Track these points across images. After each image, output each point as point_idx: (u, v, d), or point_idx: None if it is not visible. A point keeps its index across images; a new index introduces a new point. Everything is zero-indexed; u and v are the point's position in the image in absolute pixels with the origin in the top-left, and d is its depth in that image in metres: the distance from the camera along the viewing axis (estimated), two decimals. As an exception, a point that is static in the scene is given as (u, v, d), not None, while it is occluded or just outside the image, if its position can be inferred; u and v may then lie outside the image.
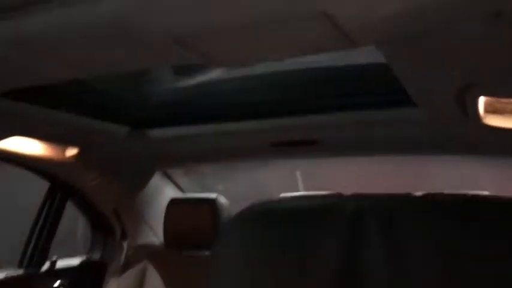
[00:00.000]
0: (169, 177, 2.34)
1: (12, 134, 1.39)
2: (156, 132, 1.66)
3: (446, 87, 0.95)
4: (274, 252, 0.47)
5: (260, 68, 1.44)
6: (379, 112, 1.38)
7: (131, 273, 2.05)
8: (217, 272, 0.72)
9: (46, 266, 1.94)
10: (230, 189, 2.06)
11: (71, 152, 1.60)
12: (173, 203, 2.02)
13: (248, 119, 1.57)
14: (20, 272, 1.84)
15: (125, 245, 2.16)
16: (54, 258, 1.96)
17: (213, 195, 1.98)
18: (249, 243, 0.50)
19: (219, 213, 1.92)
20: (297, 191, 2.61)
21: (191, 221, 1.95)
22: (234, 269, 0.51)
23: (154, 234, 2.29)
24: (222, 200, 1.98)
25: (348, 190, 0.94)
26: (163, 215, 2.29)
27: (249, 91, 1.54)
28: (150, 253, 2.08)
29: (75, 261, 2.12)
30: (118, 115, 1.57)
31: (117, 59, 0.85)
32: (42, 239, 1.91)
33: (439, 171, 2.55)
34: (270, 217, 0.53)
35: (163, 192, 2.32)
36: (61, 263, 2.02)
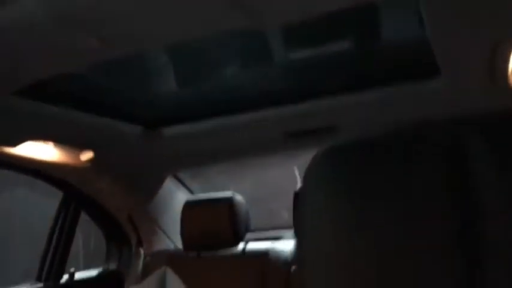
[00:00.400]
0: (180, 181, 2.31)
1: (25, 136, 1.36)
2: (170, 130, 1.64)
3: (477, 46, 0.93)
4: (367, 186, 0.44)
5: (268, 57, 1.42)
6: (399, 87, 1.36)
7: (151, 280, 2.01)
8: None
9: (65, 279, 1.90)
10: (240, 190, 2.02)
11: (86, 156, 1.58)
12: (189, 205, 1.99)
13: (261, 108, 1.55)
14: (40, 285, 1.80)
15: (142, 252, 2.13)
16: (72, 270, 1.93)
17: (229, 194, 1.95)
18: (340, 180, 0.47)
19: (237, 212, 1.89)
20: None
21: (209, 222, 1.92)
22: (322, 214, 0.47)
23: (170, 239, 2.25)
24: (239, 197, 1.95)
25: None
26: (177, 219, 2.27)
27: (260, 80, 1.52)
28: (168, 258, 2.04)
29: (92, 273, 2.08)
30: (132, 115, 1.55)
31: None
32: (59, 251, 1.87)
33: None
34: (358, 151, 0.50)
35: (175, 196, 2.29)
36: (79, 275, 1.99)
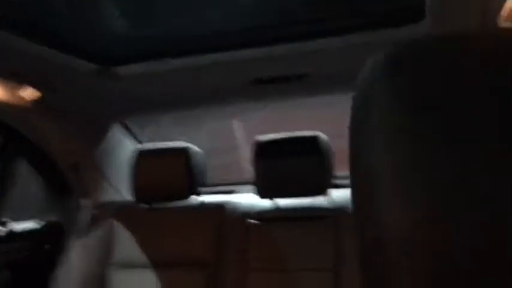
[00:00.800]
0: (128, 130, 2.17)
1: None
2: (126, 70, 1.48)
3: None
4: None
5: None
6: (379, 33, 1.29)
7: (97, 233, 1.89)
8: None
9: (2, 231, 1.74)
10: (192, 142, 1.91)
11: (30, 94, 1.40)
12: (141, 154, 1.87)
13: (228, 50, 1.40)
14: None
15: (87, 203, 1.99)
16: (4, 220, 1.76)
17: (185, 144, 1.85)
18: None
19: (193, 163, 1.80)
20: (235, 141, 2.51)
21: (163, 173, 1.81)
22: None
23: (117, 190, 2.12)
24: (195, 148, 1.86)
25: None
26: (123, 170, 2.14)
27: (226, 18, 1.39)
28: (117, 210, 1.93)
29: (29, 225, 1.93)
30: (85, 51, 1.38)
31: None
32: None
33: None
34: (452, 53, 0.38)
35: (123, 146, 2.15)
36: (14, 226, 1.83)
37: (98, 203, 2.01)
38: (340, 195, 1.74)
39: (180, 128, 2.54)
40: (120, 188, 2.14)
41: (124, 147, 2.15)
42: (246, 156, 2.50)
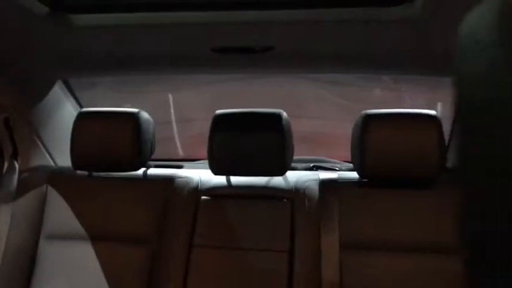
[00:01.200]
0: (69, 90, 1.97)
1: None
2: (80, 19, 1.32)
3: None
4: None
5: None
6: (355, 10, 1.22)
7: (27, 200, 1.70)
8: None
9: None
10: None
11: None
12: (84, 116, 1.70)
13: (188, 10, 1.27)
14: None
15: (17, 166, 1.78)
16: None
17: (134, 109, 1.70)
18: None
19: (143, 130, 1.66)
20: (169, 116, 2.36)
21: (108, 139, 1.66)
22: None
23: (50, 155, 1.93)
24: (146, 115, 1.71)
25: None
26: (61, 134, 1.95)
27: None
28: (51, 176, 1.74)
29: None
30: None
31: None
32: None
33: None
34: None
35: (62, 107, 1.96)
36: None
37: (29, 167, 1.82)
38: (297, 176, 1.69)
39: (122, 95, 2.37)
40: (54, 153, 1.94)
41: (63, 108, 1.96)
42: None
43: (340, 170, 1.86)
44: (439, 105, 2.19)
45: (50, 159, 1.93)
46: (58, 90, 1.88)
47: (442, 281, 1.44)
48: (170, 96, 2.36)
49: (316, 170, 1.87)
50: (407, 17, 1.18)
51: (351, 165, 1.97)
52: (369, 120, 1.52)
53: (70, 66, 1.70)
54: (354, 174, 1.64)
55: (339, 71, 1.74)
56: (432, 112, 1.53)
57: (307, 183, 1.62)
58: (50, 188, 1.71)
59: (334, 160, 2.04)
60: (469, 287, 0.42)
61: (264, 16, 1.27)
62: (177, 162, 2.14)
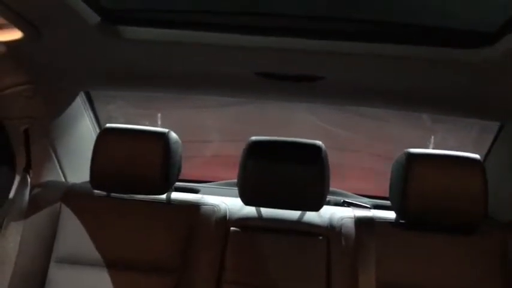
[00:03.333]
0: (91, 103, 1.86)
1: None
2: (126, 31, 1.23)
3: None
4: None
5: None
6: (426, 49, 1.17)
7: (40, 217, 1.58)
8: None
9: None
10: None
11: (12, 35, 1.09)
12: (109, 133, 1.59)
13: (234, 32, 1.19)
14: None
15: (29, 180, 1.66)
16: None
17: (163, 129, 1.61)
18: None
19: (172, 153, 1.56)
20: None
21: (134, 158, 1.55)
22: None
23: (62, 170, 1.81)
24: (175, 136, 1.62)
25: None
26: (75, 148, 1.84)
27: None
28: (66, 193, 1.62)
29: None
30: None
31: None
32: None
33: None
34: None
35: (81, 121, 1.85)
36: None
37: (43, 182, 1.69)
38: (330, 212, 1.61)
39: (143, 112, 2.27)
40: (66, 169, 1.83)
41: (82, 122, 1.85)
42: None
43: (371, 207, 1.79)
44: (432, 140, 2.16)
45: (61, 175, 1.81)
46: (79, 103, 1.78)
47: None
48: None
49: (348, 206, 1.80)
50: (485, 60, 1.13)
51: (378, 201, 1.91)
52: (413, 160, 1.46)
53: (101, 78, 1.60)
54: (389, 214, 1.58)
55: (387, 107, 1.68)
56: (476, 156, 1.48)
57: (343, 221, 1.55)
58: (63, 206, 1.59)
59: (347, 192, 1.97)
60: None
61: (315, 45, 1.21)
62: (192, 183, 2.05)
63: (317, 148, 1.52)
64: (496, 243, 1.46)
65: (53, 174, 1.77)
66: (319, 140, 1.56)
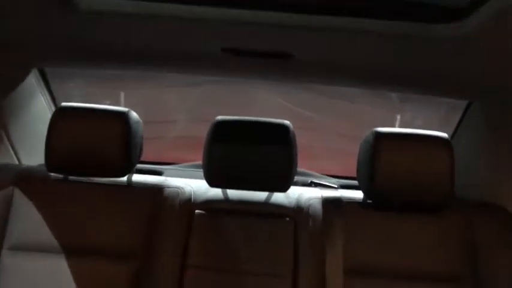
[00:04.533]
0: (45, 81, 1.75)
1: None
2: (87, 3, 1.14)
3: None
4: None
5: None
6: (400, 24, 1.12)
7: (-9, 202, 1.48)
8: None
9: None
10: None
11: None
12: (64, 112, 1.50)
13: (197, 3, 1.12)
14: None
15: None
16: None
17: (123, 108, 1.53)
18: None
19: (132, 133, 1.48)
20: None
21: (94, 140, 1.47)
22: None
23: (15, 153, 1.71)
24: (136, 115, 1.54)
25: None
26: (28, 129, 1.74)
27: None
28: (18, 176, 1.53)
29: None
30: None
31: None
32: None
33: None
34: None
35: (35, 100, 1.74)
36: None
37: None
38: (298, 193, 1.57)
39: (98, 91, 2.17)
40: (20, 151, 1.72)
41: (37, 102, 1.74)
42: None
43: (339, 188, 1.76)
44: (398, 119, 2.16)
45: (15, 157, 1.71)
46: (32, 81, 1.67)
47: None
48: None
49: (315, 186, 1.77)
50: (455, 36, 1.10)
51: (345, 181, 1.89)
52: (381, 139, 1.43)
53: (56, 54, 1.50)
54: (356, 194, 1.55)
55: (356, 85, 1.64)
56: (444, 135, 1.47)
57: (310, 201, 1.51)
58: (16, 190, 1.49)
59: (314, 173, 1.95)
60: None
61: (285, 20, 1.15)
62: (155, 165, 1.97)
63: (285, 128, 1.47)
64: (462, 224, 1.46)
65: (5, 157, 1.67)
66: (287, 121, 1.51)
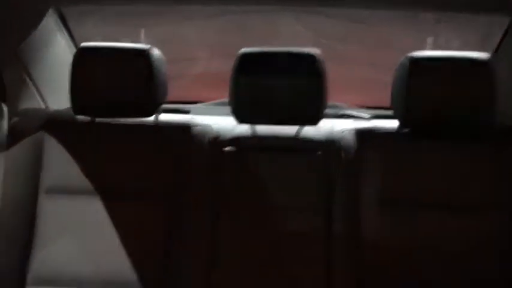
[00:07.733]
0: (64, 22, 1.71)
1: None
2: None
3: None
4: None
5: None
6: None
7: (22, 148, 1.49)
8: None
9: None
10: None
11: None
12: (85, 53, 1.46)
13: None
14: None
15: (5, 109, 1.55)
16: None
17: (144, 45, 1.48)
18: None
19: (156, 72, 1.44)
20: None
21: (115, 80, 1.44)
22: None
23: (41, 97, 1.69)
24: (158, 53, 1.49)
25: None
26: (52, 72, 1.71)
27: None
28: (48, 121, 1.52)
29: None
30: None
31: None
32: None
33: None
34: None
35: (56, 42, 1.70)
36: None
37: (21, 110, 1.59)
38: (329, 125, 1.52)
39: (117, 29, 2.10)
40: (46, 95, 1.71)
41: (58, 44, 1.70)
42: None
43: (372, 118, 1.70)
44: (431, 42, 2.03)
45: (41, 102, 1.70)
46: (51, 22, 1.62)
47: (488, 239, 1.35)
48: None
49: (347, 118, 1.71)
50: None
51: (378, 111, 1.82)
52: (416, 64, 1.35)
53: None
54: (391, 123, 1.49)
55: (383, 7, 1.53)
56: (484, 55, 1.37)
57: (342, 134, 1.47)
58: (46, 135, 1.49)
59: (345, 105, 1.88)
60: None
61: None
62: (180, 104, 1.94)
63: (313, 57, 1.40)
64: (505, 152, 1.39)
65: (32, 102, 1.66)
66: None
